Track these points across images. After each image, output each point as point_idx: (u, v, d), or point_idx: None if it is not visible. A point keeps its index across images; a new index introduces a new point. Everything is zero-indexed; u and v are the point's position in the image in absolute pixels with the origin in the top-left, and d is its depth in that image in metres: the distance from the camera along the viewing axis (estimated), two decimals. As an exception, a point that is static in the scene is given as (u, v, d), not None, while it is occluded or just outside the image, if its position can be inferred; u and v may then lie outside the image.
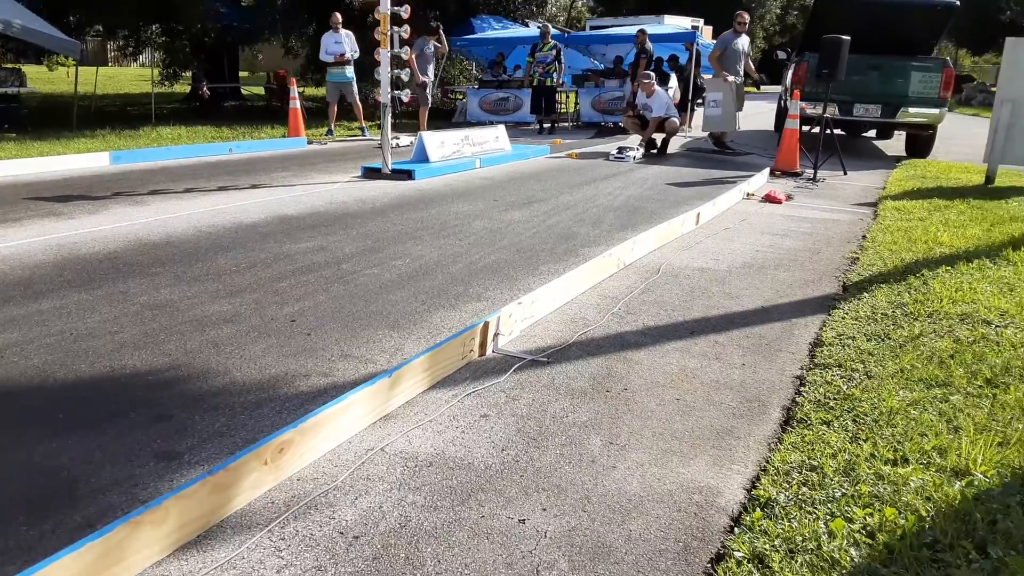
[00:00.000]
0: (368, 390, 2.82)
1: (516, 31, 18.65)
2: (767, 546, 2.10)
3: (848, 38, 9.36)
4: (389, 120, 9.05)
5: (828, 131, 9.80)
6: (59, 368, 3.26)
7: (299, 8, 16.60)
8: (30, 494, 2.32)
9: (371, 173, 8.98)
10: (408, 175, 8.81)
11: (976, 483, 2.37)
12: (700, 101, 19.75)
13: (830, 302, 4.45)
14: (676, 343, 3.77)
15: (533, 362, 3.47)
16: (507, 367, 3.40)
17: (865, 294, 4.47)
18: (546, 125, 14.96)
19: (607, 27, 20.98)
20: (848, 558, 2.03)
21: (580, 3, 46.10)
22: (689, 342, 3.79)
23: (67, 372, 3.23)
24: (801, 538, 2.12)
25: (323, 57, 12.89)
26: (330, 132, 13.37)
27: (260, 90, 22.33)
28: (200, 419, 2.84)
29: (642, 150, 11.43)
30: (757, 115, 19.80)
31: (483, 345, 3.55)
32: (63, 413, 2.86)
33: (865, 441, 2.67)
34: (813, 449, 2.63)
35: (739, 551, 2.09)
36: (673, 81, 14.34)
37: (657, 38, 15.23)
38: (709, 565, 2.09)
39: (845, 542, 2.09)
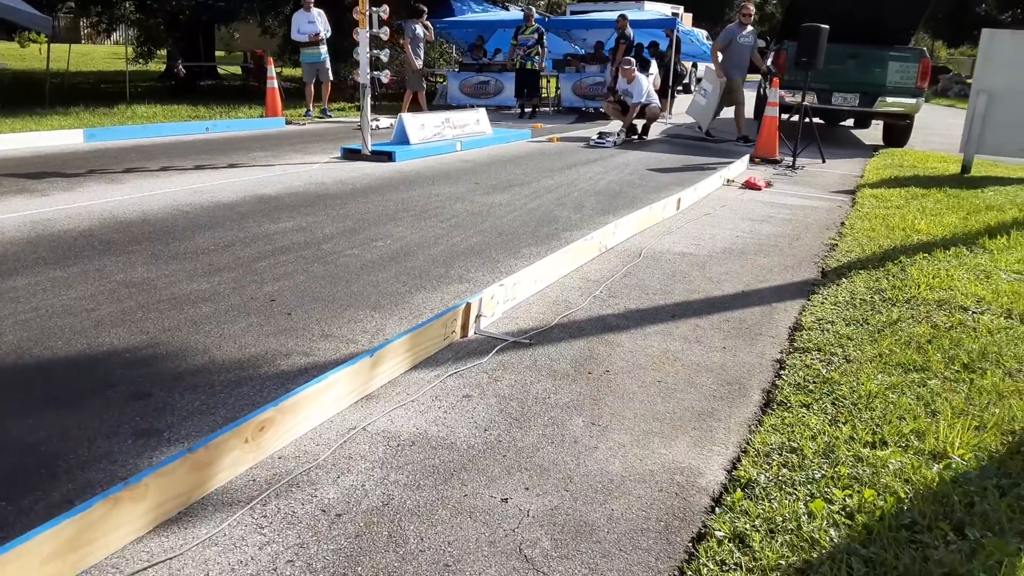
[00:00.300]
0: (350, 369, 2.80)
1: (496, 14, 18.52)
2: (748, 526, 2.12)
3: (827, 27, 9.41)
4: (368, 101, 8.96)
5: (807, 119, 9.86)
6: (34, 345, 3.20)
7: (277, -14, 16.39)
8: (7, 470, 2.28)
9: (351, 154, 8.89)
10: (388, 157, 8.74)
11: (954, 466, 2.40)
12: (680, 88, 19.80)
13: (809, 287, 4.49)
14: (658, 326, 3.78)
15: (515, 344, 3.47)
16: (489, 348, 3.39)
17: (844, 280, 4.51)
18: (527, 109, 14.90)
19: (588, 12, 20.89)
20: (828, 538, 2.05)
21: (561, -13, 45.88)
22: (670, 325, 3.80)
23: (43, 349, 3.17)
24: (781, 518, 2.14)
25: (295, 36, 12.71)
26: (309, 112, 13.23)
27: (237, 69, 22.01)
28: (179, 397, 2.80)
29: (623, 135, 11.43)
30: (737, 103, 19.84)
31: (465, 326, 3.54)
32: (39, 390, 2.81)
33: (844, 424, 2.70)
34: (793, 431, 2.66)
35: (720, 531, 2.11)
36: (653, 67, 14.34)
37: (637, 24, 15.19)
38: (690, 544, 2.10)
39: (825, 523, 2.12)
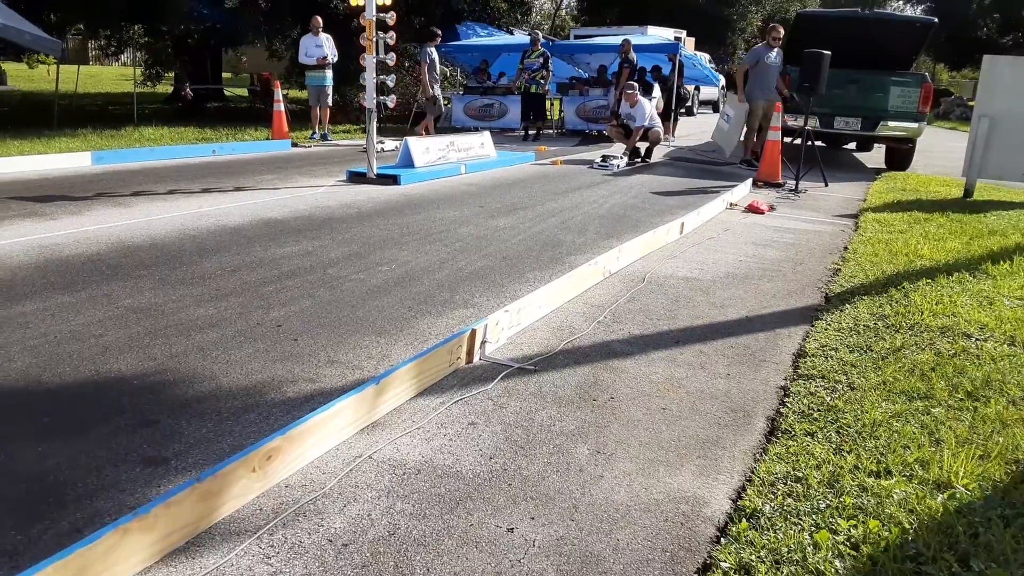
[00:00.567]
0: (356, 397, 2.82)
1: (501, 38, 18.69)
2: (753, 557, 2.12)
3: (829, 53, 9.49)
4: (375, 125, 9.04)
5: (809, 143, 9.91)
6: (43, 371, 3.23)
7: (283, 11, 16.53)
8: (17, 498, 2.30)
9: (356, 177, 8.96)
10: (393, 180, 8.81)
11: (958, 496, 2.41)
12: (683, 111, 19.93)
13: (813, 313, 4.50)
14: (662, 352, 3.80)
15: (520, 370, 3.49)
16: (494, 375, 3.41)
17: (847, 306, 4.52)
18: (531, 132, 15.01)
19: (591, 36, 21.11)
20: (833, 570, 2.06)
21: (564, 12, 46.30)
22: (675, 351, 3.82)
23: (51, 375, 3.20)
24: (787, 549, 2.15)
25: (303, 59, 12.86)
26: (314, 135, 13.34)
27: (243, 92, 22.22)
28: (187, 424, 2.82)
29: (626, 158, 11.49)
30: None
31: (470, 352, 3.55)
32: (48, 417, 2.83)
33: (849, 453, 2.71)
34: (798, 460, 2.66)
35: (725, 562, 2.11)
36: (656, 91, 14.44)
37: (641, 48, 15.32)
38: (696, 575, 2.11)
39: (830, 554, 2.12)
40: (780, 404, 3.23)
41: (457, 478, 2.55)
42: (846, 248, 6.27)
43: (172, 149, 10.89)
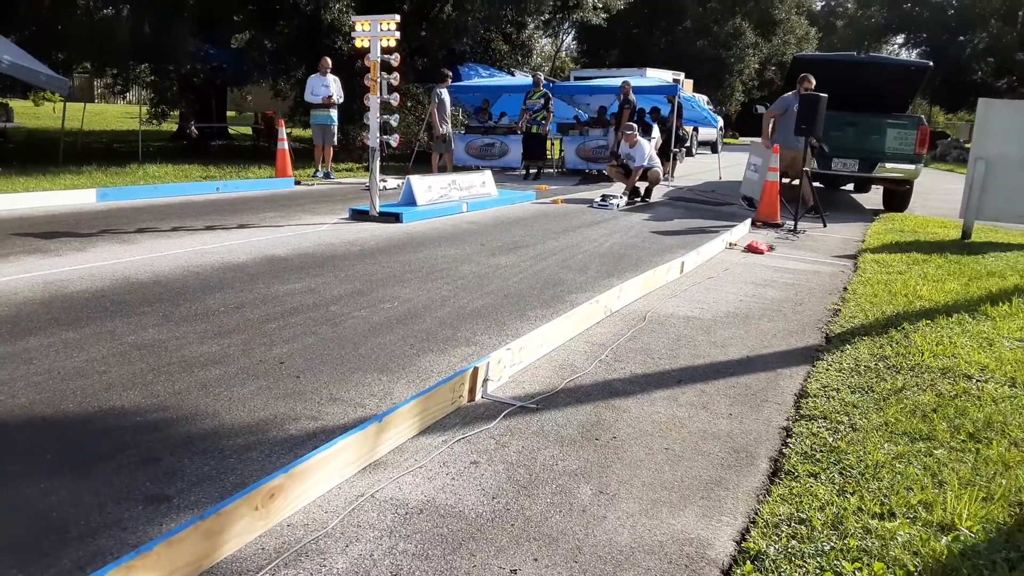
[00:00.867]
0: (358, 435, 2.82)
1: (502, 79, 18.96)
2: (758, 599, 2.11)
3: (825, 95, 9.63)
4: (377, 163, 9.15)
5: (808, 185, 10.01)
6: (46, 407, 3.23)
7: (288, 51, 16.80)
8: (20, 536, 2.30)
9: (359, 215, 9.03)
10: (396, 218, 8.87)
11: (962, 538, 2.40)
12: (683, 151, 20.13)
13: (814, 353, 4.51)
14: (663, 391, 3.80)
15: (522, 408, 3.49)
16: (496, 413, 3.41)
17: (848, 346, 4.54)
18: (532, 171, 15.16)
19: (591, 78, 21.41)
20: (838, 612, 2.05)
21: (564, 54, 47.00)
22: (676, 391, 3.82)
23: (54, 411, 3.20)
24: (792, 591, 2.14)
25: (309, 98, 13.04)
26: (317, 173, 13.45)
27: (247, 130, 22.45)
28: (189, 462, 2.82)
29: (626, 198, 11.59)
30: (737, 166, 20.15)
31: (472, 390, 3.56)
32: (51, 453, 2.83)
33: (852, 494, 2.71)
34: (801, 501, 2.66)
35: (731, 604, 2.10)
36: (656, 132, 14.61)
37: (640, 90, 15.55)
38: (701, 618, 2.10)
39: (835, 596, 2.11)
40: (783, 445, 3.23)
41: (459, 518, 2.54)
42: (846, 288, 6.30)
43: (176, 186, 10.98)
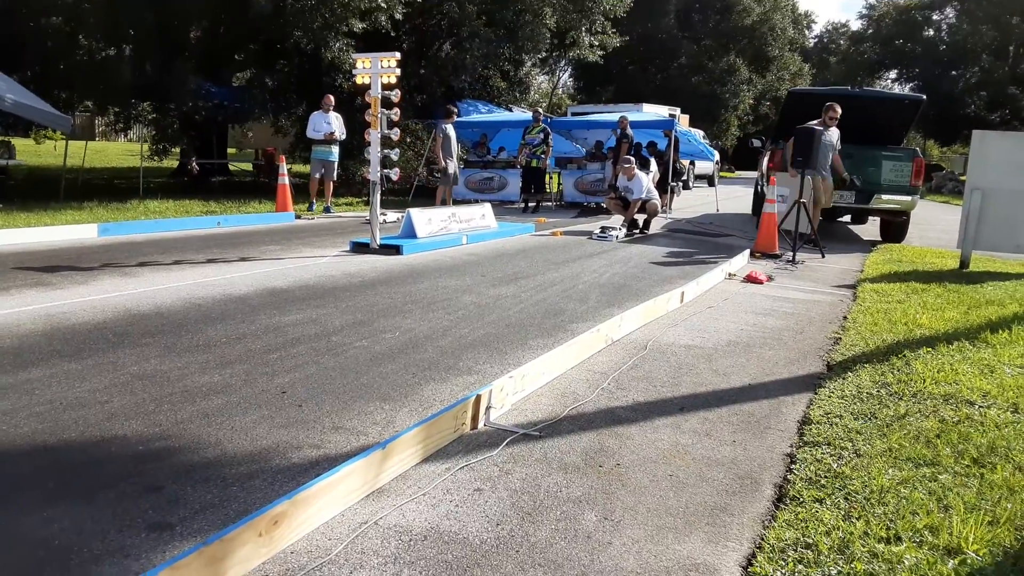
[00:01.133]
0: (362, 462, 2.81)
1: (500, 115, 19.18)
2: (766, 623, 2.09)
3: (820, 129, 9.74)
4: (378, 197, 9.22)
5: (805, 215, 10.08)
6: (49, 437, 3.22)
7: (289, 89, 17.01)
8: (22, 563, 2.28)
9: (359, 248, 9.07)
10: (396, 250, 8.92)
11: (969, 562, 2.39)
12: (680, 184, 20.28)
13: (816, 381, 4.51)
14: (666, 419, 3.80)
15: (525, 436, 3.48)
16: (499, 440, 3.40)
17: (849, 373, 4.54)
18: (531, 204, 15.27)
19: (588, 113, 21.68)
20: (848, 635, 2.03)
21: (560, 91, 47.58)
22: (679, 418, 3.82)
23: (57, 441, 3.19)
24: (800, 615, 2.12)
25: (311, 134, 13.19)
26: (312, 207, 13.51)
27: (248, 166, 22.62)
28: (192, 490, 2.81)
29: (624, 229, 11.66)
30: (734, 199, 20.32)
31: (475, 418, 3.56)
32: (53, 482, 2.82)
33: (858, 519, 2.70)
34: (807, 527, 2.65)
35: (739, 628, 2.08)
36: (653, 166, 14.74)
37: (637, 124, 15.74)
38: (709, 642, 2.08)
39: (844, 619, 2.10)
40: (787, 471, 3.22)
41: (464, 544, 2.53)
42: (845, 317, 6.32)
43: (177, 221, 11.04)
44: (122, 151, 32.42)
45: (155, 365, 4.28)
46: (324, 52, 15.15)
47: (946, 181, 31.55)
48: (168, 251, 8.53)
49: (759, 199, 13.45)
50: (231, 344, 4.78)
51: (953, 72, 42.65)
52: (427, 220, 9.87)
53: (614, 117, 16.09)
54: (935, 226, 15.36)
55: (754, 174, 16.32)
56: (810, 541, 2.54)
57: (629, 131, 14.80)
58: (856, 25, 55.10)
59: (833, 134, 10.47)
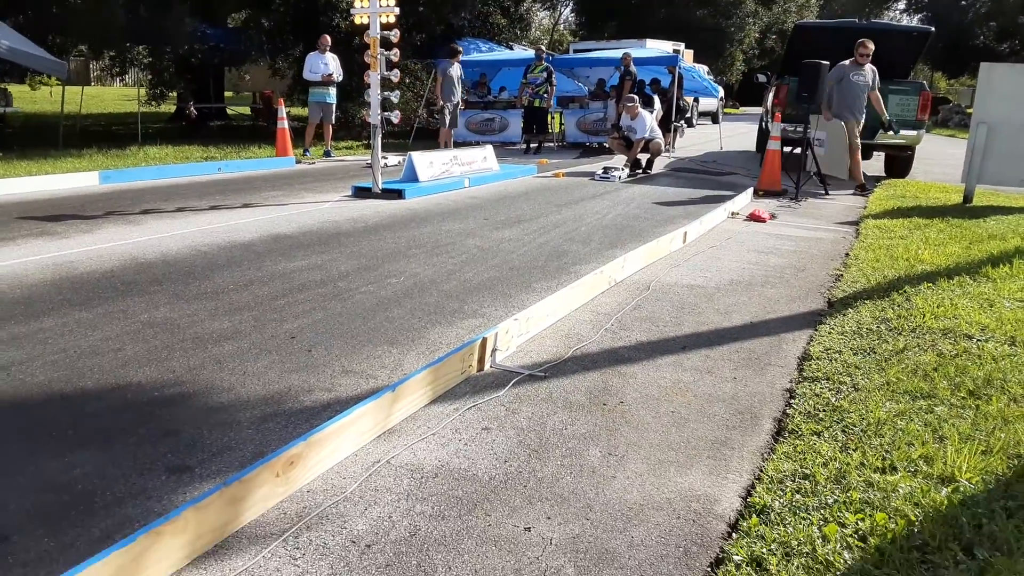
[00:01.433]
0: (372, 404, 2.89)
1: (501, 53, 18.87)
2: (764, 550, 2.19)
3: (827, 63, 9.59)
4: (379, 140, 9.17)
5: (809, 152, 10.01)
6: (65, 385, 3.30)
7: (285, 30, 16.71)
8: (47, 507, 2.37)
9: (361, 192, 9.06)
10: (398, 194, 8.91)
11: (962, 489, 2.47)
12: (683, 121, 20.06)
13: (816, 317, 4.57)
14: (669, 358, 3.87)
15: (531, 377, 3.56)
16: (505, 382, 3.48)
17: (850, 310, 4.59)
18: (532, 145, 15.15)
19: (591, 50, 21.29)
20: (842, 560, 2.13)
21: (562, 27, 46.64)
22: (681, 356, 3.89)
23: (73, 389, 3.27)
24: (796, 542, 2.21)
25: (307, 75, 12.99)
26: (307, 152, 13.33)
27: (246, 110, 22.38)
28: (208, 434, 2.89)
29: (627, 170, 11.60)
30: (738, 136, 20.11)
31: (481, 360, 3.63)
32: (72, 429, 2.90)
33: (855, 450, 2.78)
34: (805, 458, 2.73)
35: (737, 555, 2.18)
36: (657, 104, 14.57)
37: (640, 61, 15.48)
38: (709, 569, 2.18)
39: (838, 545, 2.19)
40: (786, 405, 3.29)
41: (473, 481, 2.62)
42: (847, 254, 6.35)
43: (178, 168, 11.00)
44: (118, 96, 32.06)
45: (165, 312, 4.34)
46: (321, -9, 14.85)
47: (952, 114, 31.16)
48: (170, 198, 8.53)
49: (763, 136, 13.33)
50: (239, 291, 4.83)
51: (962, 2, 41.63)
52: (429, 163, 9.83)
53: (617, 54, 15.82)
54: (940, 160, 15.24)
55: (759, 110, 16.11)
56: (808, 472, 2.62)
57: (633, 68, 14.57)
58: (864, -46, 53.62)
59: (867, 72, 9.93)
